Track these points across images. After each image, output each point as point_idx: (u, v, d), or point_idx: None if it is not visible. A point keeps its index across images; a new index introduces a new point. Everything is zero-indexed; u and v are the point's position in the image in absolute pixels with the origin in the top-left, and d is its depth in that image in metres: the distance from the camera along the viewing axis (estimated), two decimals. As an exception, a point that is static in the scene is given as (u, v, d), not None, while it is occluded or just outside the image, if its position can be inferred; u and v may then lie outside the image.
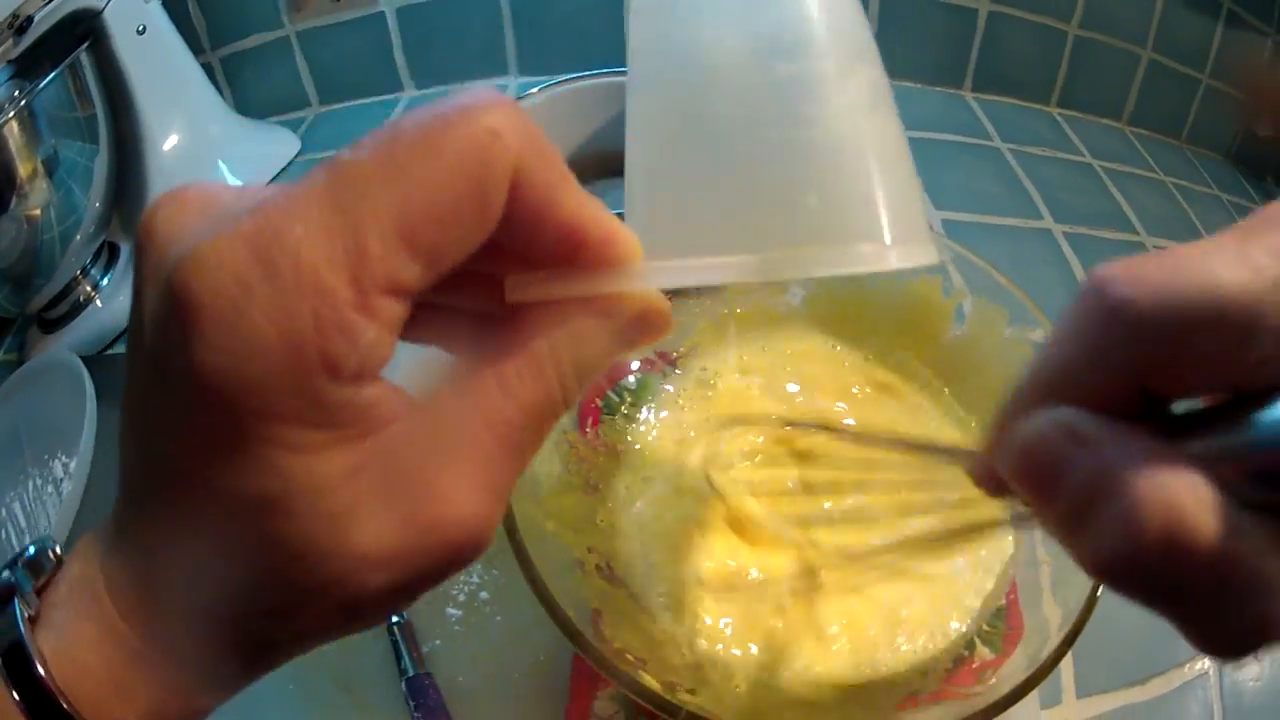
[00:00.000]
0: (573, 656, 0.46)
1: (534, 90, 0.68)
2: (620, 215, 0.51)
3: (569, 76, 0.69)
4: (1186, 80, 0.88)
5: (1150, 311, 0.18)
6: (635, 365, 0.51)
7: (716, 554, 0.44)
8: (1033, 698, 0.46)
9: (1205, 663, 0.49)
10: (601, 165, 0.72)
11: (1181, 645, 0.47)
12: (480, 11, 0.89)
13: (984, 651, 0.40)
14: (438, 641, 0.48)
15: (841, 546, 0.43)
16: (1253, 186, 0.89)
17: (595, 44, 0.91)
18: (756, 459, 0.47)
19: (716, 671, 0.40)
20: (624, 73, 0.66)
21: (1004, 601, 0.42)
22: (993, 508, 0.29)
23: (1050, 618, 0.38)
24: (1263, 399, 0.17)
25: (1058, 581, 0.40)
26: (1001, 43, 0.87)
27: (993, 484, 0.24)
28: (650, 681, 0.35)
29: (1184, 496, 0.17)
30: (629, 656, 0.37)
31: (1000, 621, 0.41)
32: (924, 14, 0.86)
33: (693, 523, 0.45)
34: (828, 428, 0.47)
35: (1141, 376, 0.19)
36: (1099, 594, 0.35)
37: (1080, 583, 0.36)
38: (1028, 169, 0.80)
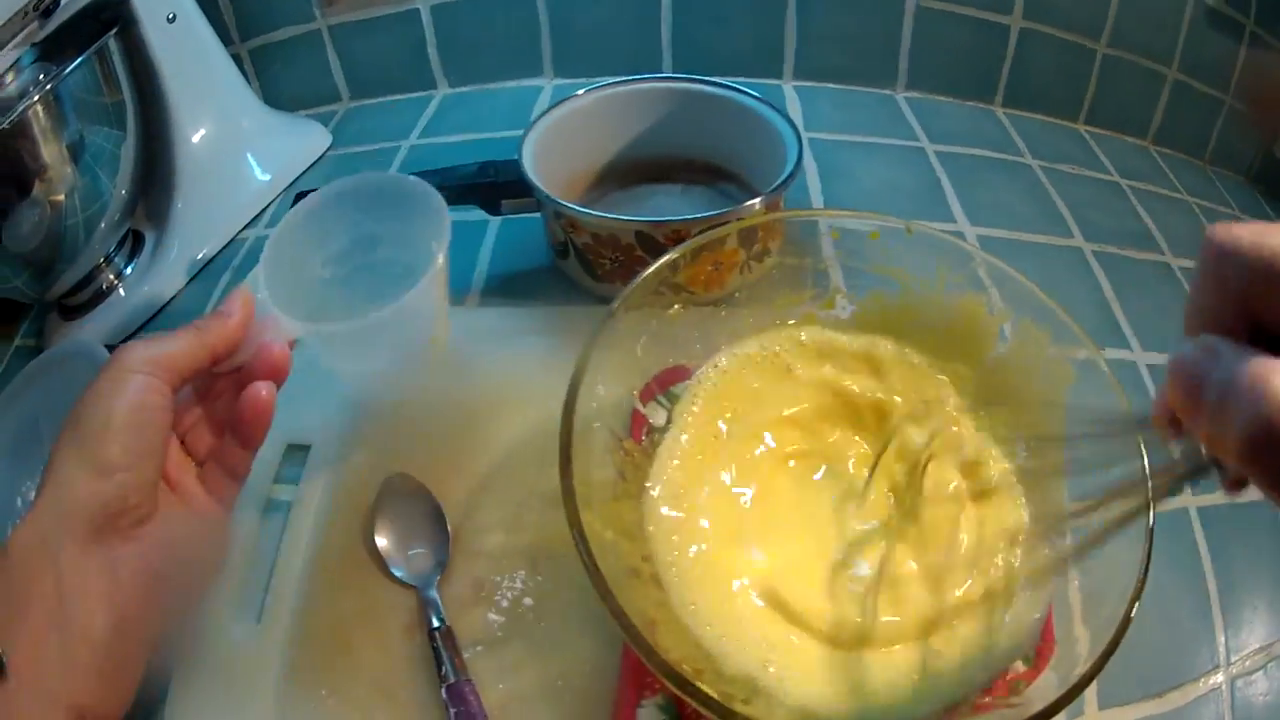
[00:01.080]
0: (621, 665, 0.46)
1: (579, 92, 0.68)
2: (662, 221, 0.49)
3: (613, 80, 0.69)
4: (1210, 101, 0.88)
5: (1250, 246, 0.24)
6: (691, 375, 0.51)
7: (756, 566, 0.44)
8: None
9: (1219, 677, 0.49)
10: (641, 170, 0.72)
11: (1198, 660, 0.49)
12: (516, 12, 0.89)
13: (1018, 664, 0.41)
14: (479, 648, 0.47)
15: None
16: (1272, 208, 0.89)
17: (630, 49, 0.90)
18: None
19: (768, 680, 0.40)
20: (665, 79, 0.67)
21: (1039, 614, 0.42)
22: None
23: (1080, 634, 0.39)
24: None
25: (1087, 599, 0.41)
26: (1032, 59, 0.88)
27: (1171, 423, 0.28)
28: (709, 691, 0.35)
29: None
30: (685, 667, 0.37)
31: (1034, 636, 0.41)
32: (956, 29, 0.87)
33: (723, 522, 0.45)
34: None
35: (1249, 303, 0.25)
36: (1132, 615, 0.36)
37: (1110, 600, 0.37)
38: (1058, 186, 0.80)
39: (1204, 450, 0.27)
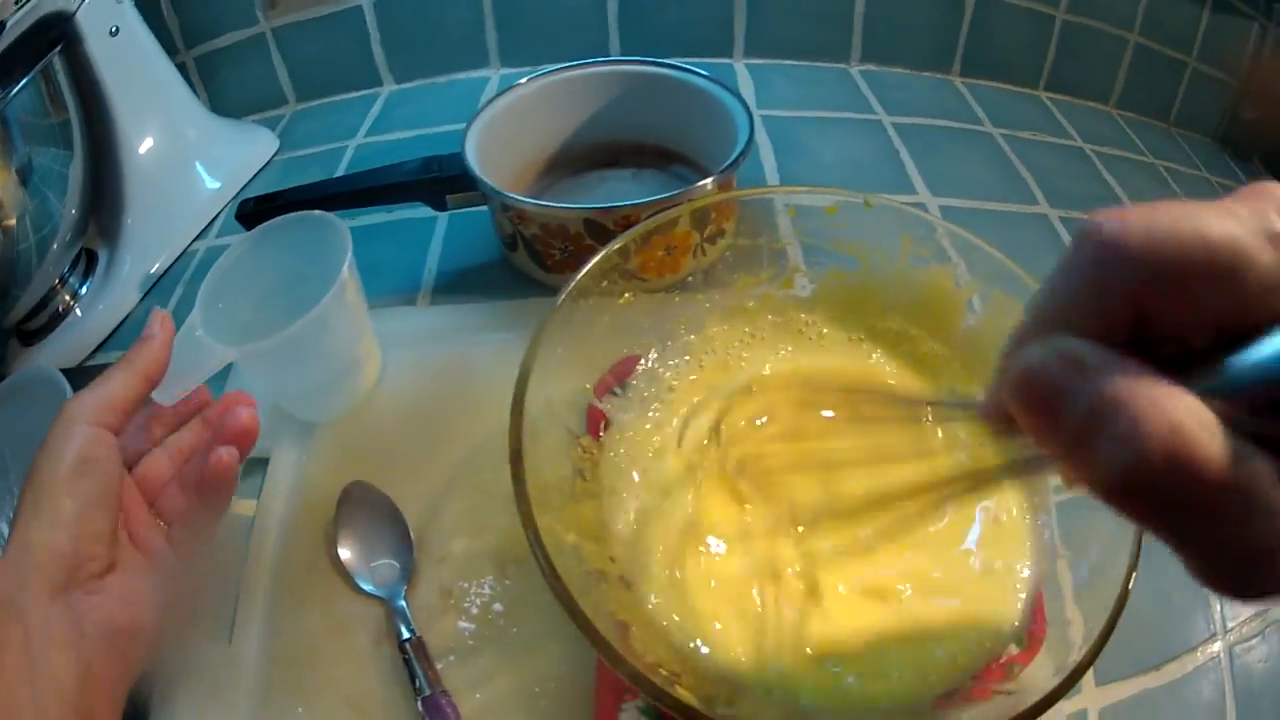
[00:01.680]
0: (597, 669, 0.45)
1: (523, 80, 0.67)
2: (611, 207, 0.50)
3: (556, 66, 0.68)
4: (1174, 64, 0.88)
5: (1141, 243, 0.20)
6: (644, 365, 0.50)
7: (726, 554, 0.43)
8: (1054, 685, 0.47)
9: (1217, 646, 0.49)
10: (591, 156, 0.71)
11: (1194, 630, 0.48)
12: (460, 3, 0.88)
13: (1011, 647, 0.40)
14: (452, 658, 0.46)
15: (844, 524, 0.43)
16: (1240, 168, 0.89)
17: (577, 34, 0.89)
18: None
19: (750, 680, 0.39)
20: (611, 62, 0.66)
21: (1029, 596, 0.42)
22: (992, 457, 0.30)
23: (1072, 617, 0.38)
24: (1250, 338, 0.18)
25: (1078, 576, 0.40)
26: (990, 27, 0.87)
27: (1001, 423, 0.24)
28: (687, 696, 0.34)
29: (1186, 416, 0.17)
30: (662, 671, 0.36)
31: (1026, 618, 0.41)
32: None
33: (689, 517, 0.44)
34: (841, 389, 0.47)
35: (1134, 307, 0.20)
36: (1130, 588, 0.35)
37: (1103, 584, 0.36)
38: (1020, 153, 0.80)
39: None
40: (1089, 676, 0.47)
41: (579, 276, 0.45)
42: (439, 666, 0.45)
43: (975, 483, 0.33)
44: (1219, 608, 0.50)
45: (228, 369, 0.54)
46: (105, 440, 0.41)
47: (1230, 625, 0.50)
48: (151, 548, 0.42)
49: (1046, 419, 0.20)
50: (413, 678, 0.44)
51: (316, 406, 0.57)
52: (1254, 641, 0.49)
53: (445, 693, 0.44)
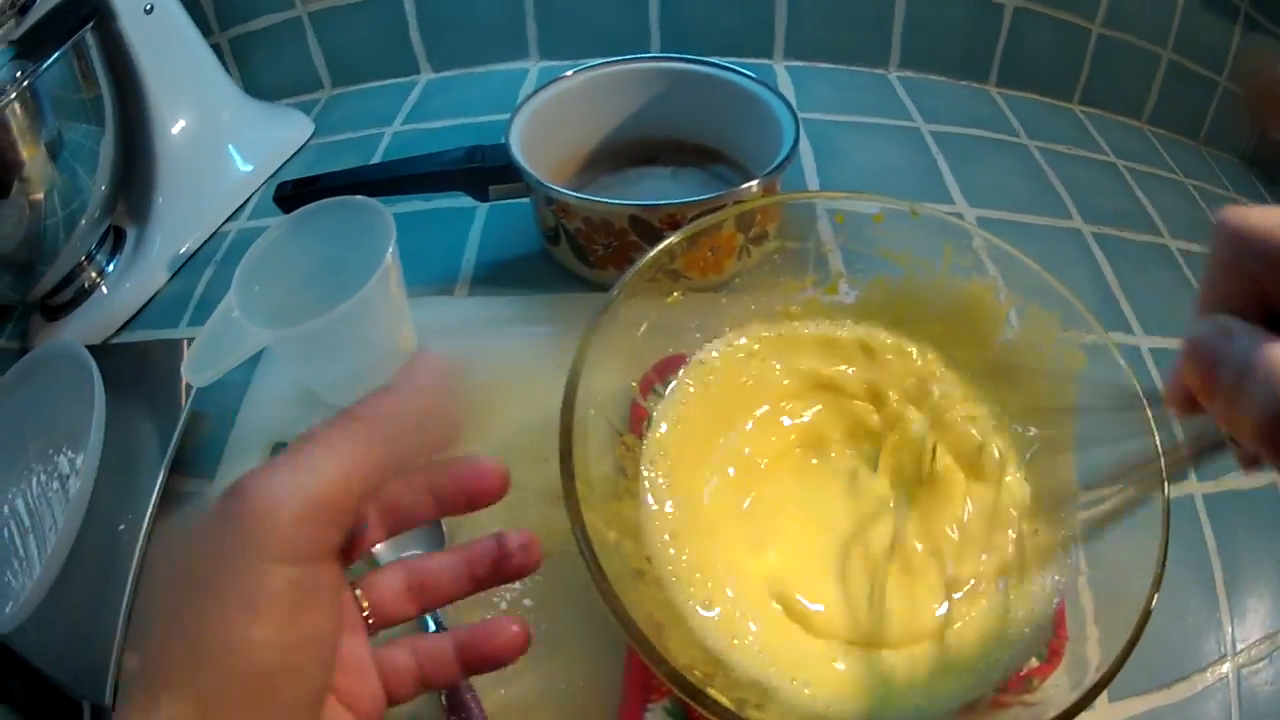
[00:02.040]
0: (625, 668, 0.44)
1: (567, 74, 0.67)
2: (658, 205, 0.50)
3: (601, 61, 0.68)
4: (1205, 82, 0.88)
5: (1265, 234, 0.25)
6: (688, 364, 0.49)
7: (765, 558, 0.43)
8: (1069, 701, 0.47)
9: (1226, 667, 0.49)
10: (630, 152, 0.71)
11: (1205, 650, 0.49)
12: (500, -6, 0.88)
13: (1032, 660, 0.40)
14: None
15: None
16: (1266, 189, 0.89)
17: (616, 30, 0.89)
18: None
19: (781, 684, 0.38)
20: (655, 59, 0.65)
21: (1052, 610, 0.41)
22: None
23: (1092, 634, 0.38)
24: None
25: (1100, 592, 0.40)
26: (1026, 38, 0.87)
27: (1184, 402, 0.28)
28: (722, 699, 0.33)
29: None
30: (696, 672, 0.35)
31: (1048, 631, 0.41)
32: (950, 8, 0.86)
33: (730, 519, 0.44)
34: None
35: (1263, 289, 0.25)
36: (1152, 606, 0.35)
37: (1125, 591, 0.36)
38: (1054, 166, 0.80)
39: (1220, 428, 0.27)
40: (1102, 693, 0.48)
41: (630, 273, 0.45)
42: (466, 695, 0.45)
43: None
44: (1230, 629, 0.50)
45: (258, 353, 0.53)
46: (329, 585, 0.28)
47: (1240, 647, 0.50)
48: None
49: (1209, 377, 0.24)
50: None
51: (349, 392, 0.56)
52: (1261, 664, 0.50)
53: (470, 687, 0.44)
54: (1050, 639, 0.40)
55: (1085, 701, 0.33)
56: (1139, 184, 0.81)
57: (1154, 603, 0.35)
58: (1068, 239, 0.72)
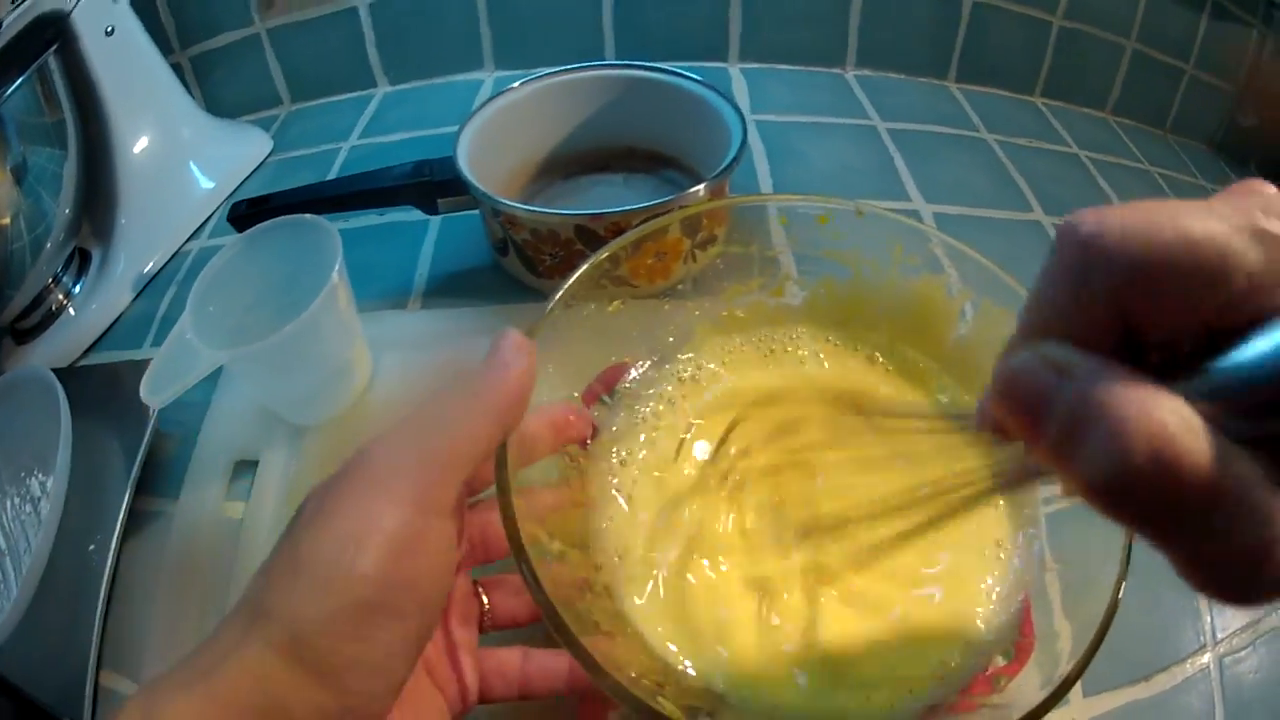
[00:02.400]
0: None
1: (515, 85, 0.67)
2: (602, 214, 0.50)
3: (549, 70, 0.68)
4: (1171, 70, 0.88)
5: (1119, 242, 0.19)
6: (633, 373, 0.50)
7: (713, 564, 0.42)
8: (1040, 698, 0.47)
9: (1206, 658, 0.49)
10: (583, 160, 0.71)
11: (1184, 641, 0.48)
12: (455, 5, 0.87)
13: (998, 660, 0.40)
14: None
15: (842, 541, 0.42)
16: (1236, 174, 0.88)
17: (572, 37, 0.89)
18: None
19: (733, 692, 0.38)
20: (603, 67, 0.65)
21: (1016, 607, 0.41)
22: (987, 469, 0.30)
23: (1060, 629, 0.37)
24: (1236, 338, 0.18)
25: (1067, 586, 0.39)
26: (986, 33, 0.87)
27: (997, 431, 0.24)
28: (671, 709, 0.33)
29: (1170, 418, 0.17)
30: (645, 682, 0.35)
31: (1013, 629, 0.40)
32: (908, 4, 0.86)
33: (677, 526, 0.43)
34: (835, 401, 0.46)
35: (1118, 309, 0.20)
36: (1120, 597, 0.35)
37: (1092, 585, 0.36)
38: (1015, 160, 0.79)
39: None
40: (1076, 688, 0.47)
41: (568, 283, 0.45)
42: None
43: (972, 495, 0.33)
44: (1209, 619, 0.50)
45: (217, 372, 0.54)
46: (438, 537, 0.29)
47: (1220, 636, 0.49)
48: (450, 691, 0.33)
49: (1031, 422, 0.20)
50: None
51: (306, 410, 0.57)
52: (1244, 653, 0.49)
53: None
54: (1017, 639, 0.39)
55: (1055, 698, 0.33)
56: (1103, 174, 0.81)
57: (1122, 593, 0.34)
58: (1029, 231, 0.72)
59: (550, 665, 0.36)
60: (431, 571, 0.28)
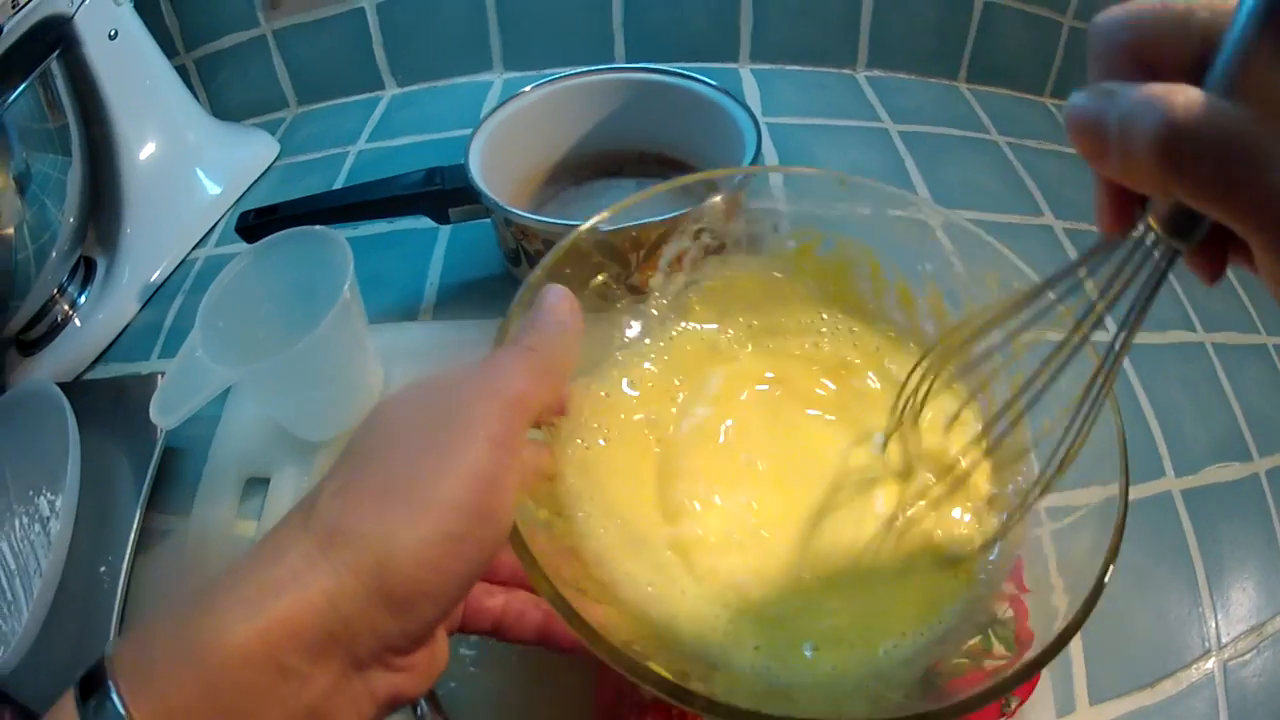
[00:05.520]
0: (595, 684, 0.44)
1: (526, 89, 0.66)
2: (621, 229, 0.50)
3: (560, 73, 0.67)
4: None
5: (1127, 11, 0.25)
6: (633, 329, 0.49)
7: (699, 523, 0.41)
8: (1048, 705, 0.47)
9: (1211, 663, 0.49)
10: (594, 164, 0.71)
11: (1188, 647, 0.48)
12: (463, 6, 0.87)
13: (999, 649, 0.39)
14: (453, 684, 0.46)
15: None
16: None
17: (581, 38, 0.89)
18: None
19: (725, 656, 0.37)
20: (614, 70, 0.65)
21: (1010, 613, 0.41)
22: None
23: (1055, 581, 0.37)
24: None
25: (1063, 562, 0.38)
26: (996, 33, 0.86)
27: (1114, 211, 0.28)
28: (662, 671, 0.33)
29: (1192, 91, 0.22)
30: (636, 648, 0.35)
31: (1009, 631, 0.40)
32: (918, 4, 0.85)
33: (661, 485, 0.42)
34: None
35: (1140, 58, 0.25)
36: (1106, 578, 0.34)
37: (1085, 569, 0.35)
38: (1025, 162, 0.79)
39: (1151, 225, 0.27)
40: (1083, 695, 0.48)
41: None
42: (440, 694, 0.45)
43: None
44: (1213, 624, 0.50)
45: (227, 387, 0.53)
46: (513, 477, 0.30)
47: (1225, 641, 0.50)
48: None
49: (1096, 139, 0.23)
50: (415, 708, 0.44)
51: (317, 425, 0.57)
52: (1248, 656, 0.50)
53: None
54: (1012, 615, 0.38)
55: (1051, 652, 0.32)
56: (1112, 177, 0.80)
57: (1118, 552, 0.33)
58: (1039, 235, 0.72)
59: (527, 615, 0.38)
60: (506, 508, 0.30)
